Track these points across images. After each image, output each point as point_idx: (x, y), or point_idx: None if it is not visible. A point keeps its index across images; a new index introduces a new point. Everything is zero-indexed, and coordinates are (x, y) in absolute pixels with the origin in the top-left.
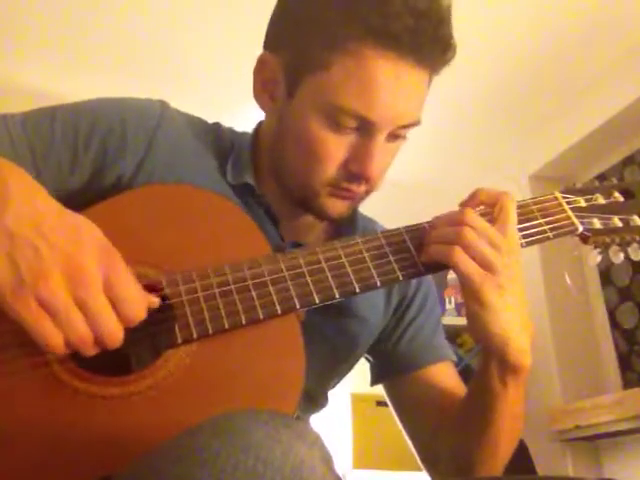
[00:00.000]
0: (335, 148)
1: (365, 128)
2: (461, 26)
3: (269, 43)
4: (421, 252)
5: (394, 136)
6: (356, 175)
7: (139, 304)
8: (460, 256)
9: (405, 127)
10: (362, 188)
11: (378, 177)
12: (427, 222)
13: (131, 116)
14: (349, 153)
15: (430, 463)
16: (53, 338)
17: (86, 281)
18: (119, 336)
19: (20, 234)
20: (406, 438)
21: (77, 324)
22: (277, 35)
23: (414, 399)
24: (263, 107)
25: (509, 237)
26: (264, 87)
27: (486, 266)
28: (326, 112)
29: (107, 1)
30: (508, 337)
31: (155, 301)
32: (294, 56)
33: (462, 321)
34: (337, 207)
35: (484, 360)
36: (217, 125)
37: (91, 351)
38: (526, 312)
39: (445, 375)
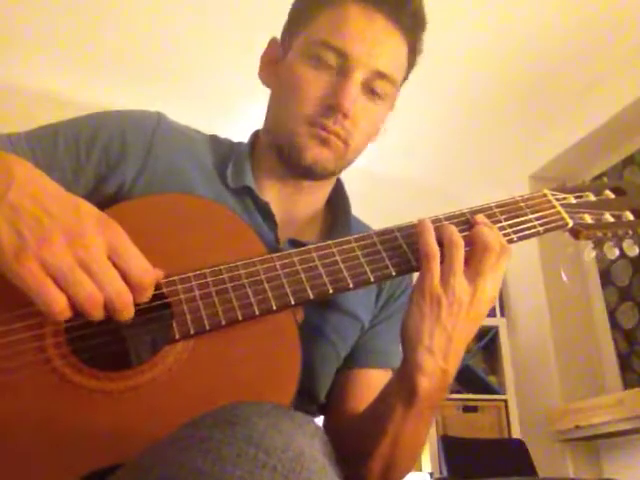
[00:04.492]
0: (314, 84)
1: (343, 66)
2: (463, 29)
3: (281, 31)
4: (415, 248)
5: (370, 90)
6: (331, 106)
7: (146, 269)
8: (435, 271)
9: (379, 76)
10: (337, 127)
11: (347, 111)
12: (418, 220)
13: (130, 126)
14: (327, 90)
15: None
16: (56, 301)
17: (87, 244)
18: (128, 299)
19: (23, 207)
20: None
21: (83, 282)
22: (286, 21)
23: (345, 393)
24: (267, 84)
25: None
26: (268, 66)
27: (445, 282)
28: (307, 50)
29: (107, 3)
30: (416, 347)
31: (160, 273)
32: (289, 27)
33: None
34: (313, 151)
35: (396, 372)
36: (214, 136)
37: (99, 313)
38: (451, 352)
39: (382, 382)
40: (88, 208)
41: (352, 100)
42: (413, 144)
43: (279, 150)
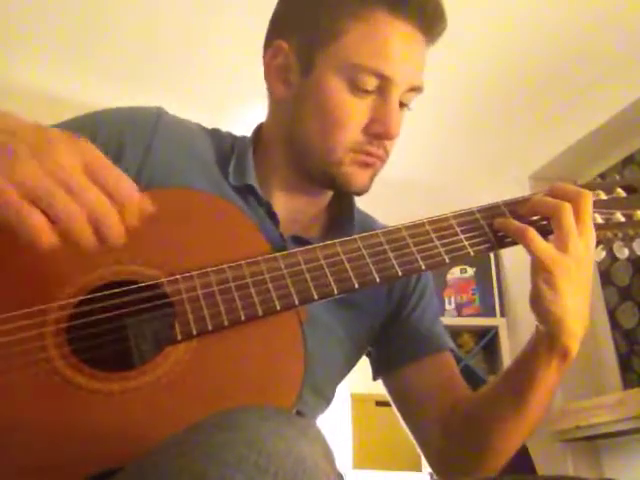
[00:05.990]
0: (357, 111)
1: (383, 88)
2: (464, 27)
3: (279, 31)
4: (421, 248)
5: (401, 103)
6: (379, 135)
7: (131, 185)
8: (535, 237)
9: (413, 90)
10: (380, 152)
11: (395, 137)
12: (427, 218)
13: (128, 125)
14: (370, 116)
15: (440, 460)
16: (40, 223)
17: (61, 163)
18: (114, 214)
19: None
20: (411, 437)
21: (66, 201)
22: (287, 21)
23: (417, 392)
24: (277, 94)
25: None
26: (278, 74)
27: (562, 248)
28: (346, 75)
29: (106, 3)
30: (564, 319)
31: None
32: (306, 35)
33: (462, 321)
34: (360, 178)
35: (535, 341)
36: (216, 130)
37: (88, 234)
38: (586, 306)
39: (446, 365)
40: (57, 131)
41: (399, 125)
42: (413, 144)
43: (314, 170)
